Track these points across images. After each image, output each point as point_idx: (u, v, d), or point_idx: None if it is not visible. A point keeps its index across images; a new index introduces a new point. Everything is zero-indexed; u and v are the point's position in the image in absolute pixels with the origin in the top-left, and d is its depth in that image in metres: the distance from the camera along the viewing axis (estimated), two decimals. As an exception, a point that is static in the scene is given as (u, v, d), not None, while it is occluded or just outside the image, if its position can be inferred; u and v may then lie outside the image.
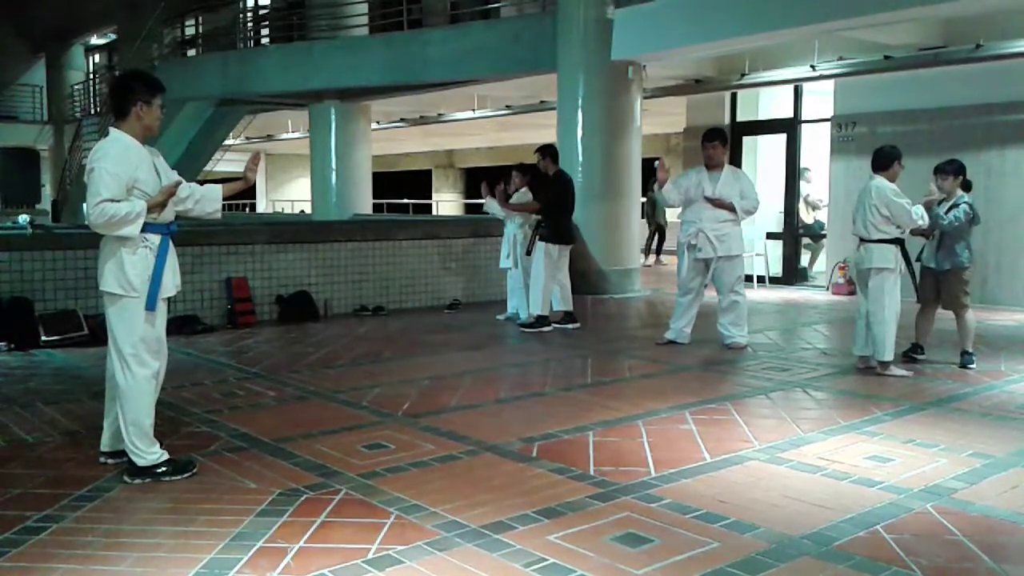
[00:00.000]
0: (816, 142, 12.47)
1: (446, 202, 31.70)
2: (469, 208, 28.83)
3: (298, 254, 9.13)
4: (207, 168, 19.57)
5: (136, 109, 3.95)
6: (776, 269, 12.59)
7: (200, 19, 18.28)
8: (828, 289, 11.50)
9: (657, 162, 7.42)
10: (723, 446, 4.46)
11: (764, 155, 13.19)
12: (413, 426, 4.84)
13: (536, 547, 3.17)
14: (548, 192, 8.39)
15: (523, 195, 8.64)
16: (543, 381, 6.10)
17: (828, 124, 11.69)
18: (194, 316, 8.20)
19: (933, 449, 4.41)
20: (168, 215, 4.03)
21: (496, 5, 13.82)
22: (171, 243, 4.05)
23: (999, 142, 9.95)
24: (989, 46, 9.59)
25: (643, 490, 3.78)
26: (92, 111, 22.25)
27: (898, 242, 6.23)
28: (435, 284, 10.20)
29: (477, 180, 10.77)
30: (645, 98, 11.67)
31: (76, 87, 24.87)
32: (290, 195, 31.97)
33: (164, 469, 3.95)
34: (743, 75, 12.01)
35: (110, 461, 4.13)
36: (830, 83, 11.55)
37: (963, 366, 6.48)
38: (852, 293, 9.11)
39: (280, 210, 29.98)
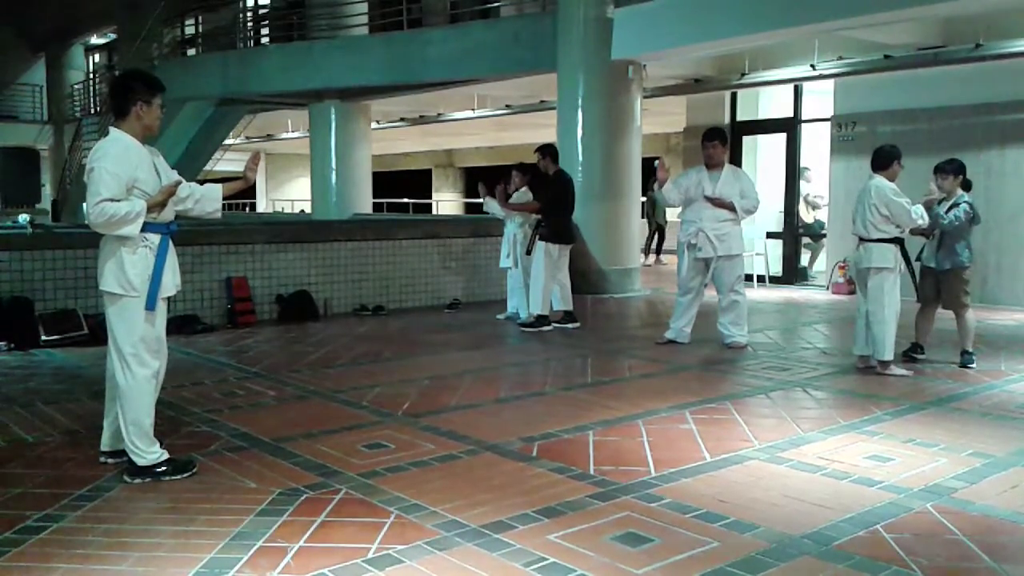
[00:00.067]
0: (816, 142, 12.47)
1: (446, 202, 31.70)
2: (469, 208, 28.83)
3: (298, 254, 9.13)
4: (207, 168, 19.58)
5: (136, 109, 3.95)
6: (776, 268, 12.59)
7: (200, 19, 18.28)
8: (828, 288, 11.50)
9: (657, 162, 7.42)
10: (723, 446, 4.46)
11: (764, 155, 13.20)
12: (413, 426, 4.84)
13: (536, 547, 3.17)
14: (548, 192, 8.39)
15: (523, 195, 8.64)
16: (543, 381, 6.10)
17: (828, 124, 11.69)
18: (194, 316, 8.20)
19: (933, 449, 4.41)
20: (168, 215, 4.03)
21: (496, 5, 13.82)
22: (171, 243, 4.05)
23: (999, 142, 9.95)
24: (989, 46, 9.59)
25: (643, 490, 3.78)
26: (92, 111, 22.26)
27: (897, 241, 6.23)
28: (435, 284, 10.20)
29: (477, 180, 10.76)
30: (645, 98, 11.66)
31: (76, 87, 24.87)
32: (290, 195, 31.98)
33: (164, 469, 3.95)
34: (743, 75, 12.01)
35: (110, 461, 4.13)
36: (830, 83, 11.55)
37: (963, 366, 6.48)
38: (852, 292, 9.11)
39: (280, 210, 29.98)
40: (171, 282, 4.04)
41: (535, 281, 8.33)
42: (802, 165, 12.47)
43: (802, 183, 12.48)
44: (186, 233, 7.35)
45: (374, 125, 18.21)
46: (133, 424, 3.92)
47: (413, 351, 7.26)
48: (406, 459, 4.22)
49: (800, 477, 3.99)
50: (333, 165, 16.23)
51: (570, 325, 8.43)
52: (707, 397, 5.55)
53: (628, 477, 3.95)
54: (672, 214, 13.28)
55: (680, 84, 12.94)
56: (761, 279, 12.16)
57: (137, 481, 3.89)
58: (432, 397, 5.55)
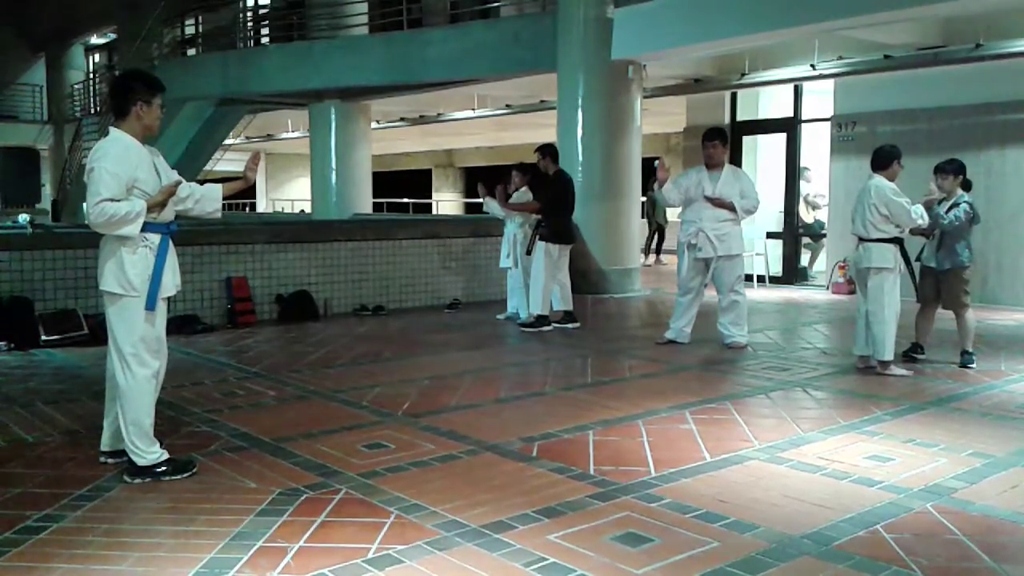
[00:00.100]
0: (816, 142, 12.47)
1: (446, 202, 31.71)
2: (469, 207, 28.83)
3: (298, 254, 9.13)
4: (207, 168, 19.58)
5: (136, 109, 3.95)
6: (776, 269, 12.59)
7: (200, 19, 18.28)
8: (828, 288, 11.50)
9: (657, 162, 7.42)
10: (723, 446, 4.46)
11: (764, 155, 13.20)
12: (413, 426, 4.84)
13: (536, 547, 3.17)
14: (548, 192, 8.39)
15: (523, 195, 8.64)
16: (543, 381, 6.10)
17: (828, 124, 11.69)
18: (194, 316, 8.20)
19: (933, 449, 4.41)
20: (168, 215, 4.03)
21: (496, 4, 13.82)
22: (171, 243, 4.05)
23: (999, 142, 9.95)
24: (989, 46, 9.58)
25: (643, 490, 3.78)
26: (92, 111, 22.26)
27: (897, 241, 6.23)
28: (435, 284, 10.20)
29: (477, 179, 10.76)
30: (645, 98, 11.66)
31: (76, 87, 24.87)
32: (290, 195, 31.98)
33: (164, 469, 3.95)
34: (743, 75, 12.00)
35: (110, 461, 4.13)
36: (830, 83, 11.55)
37: (963, 366, 6.48)
38: (852, 293, 9.11)
39: (280, 210, 29.98)
40: (171, 282, 4.05)
41: (535, 281, 8.33)
42: (802, 165, 12.47)
43: (802, 183, 12.48)
44: (186, 233, 7.35)
45: (374, 125, 18.22)
46: (133, 424, 3.92)
47: (413, 351, 7.26)
48: (406, 459, 4.22)
49: (800, 477, 3.99)
50: (333, 165, 16.23)
51: (570, 325, 8.43)
52: (707, 397, 5.55)
53: (628, 477, 3.95)
54: (672, 214, 13.27)
55: (680, 84, 12.93)
56: (761, 279, 12.16)
57: (137, 481, 3.89)
58: (432, 397, 5.55)
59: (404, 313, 9.51)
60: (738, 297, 7.38)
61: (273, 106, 18.03)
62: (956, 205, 6.44)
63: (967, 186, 6.61)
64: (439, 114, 18.82)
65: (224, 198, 4.32)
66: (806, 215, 12.64)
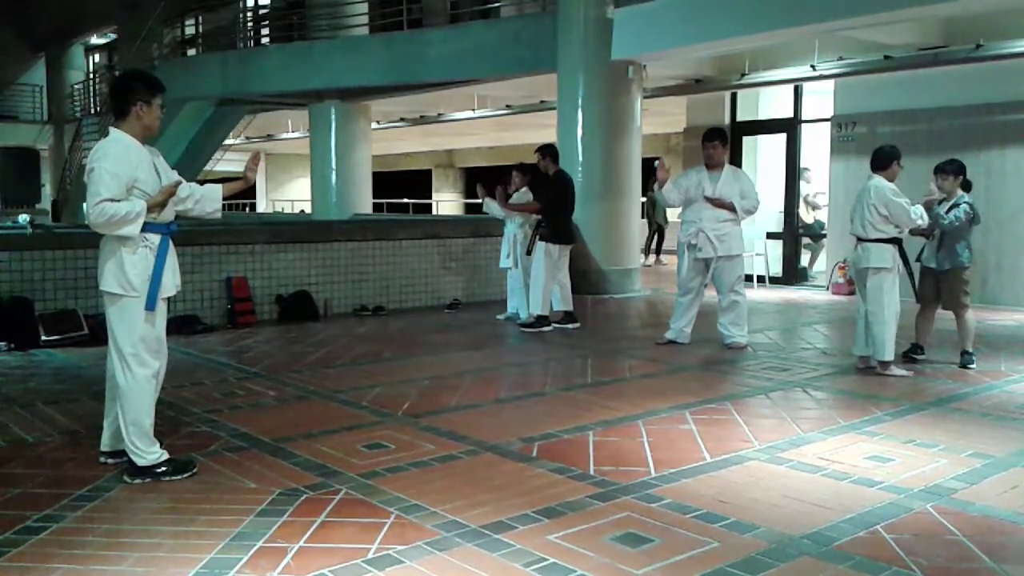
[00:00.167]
0: (816, 142, 12.47)
1: (446, 202, 31.71)
2: (469, 208, 28.84)
3: (298, 254, 9.13)
4: (207, 168, 19.59)
5: (136, 109, 3.95)
6: (776, 269, 12.59)
7: (200, 19, 18.29)
8: (828, 289, 11.50)
9: (657, 162, 7.42)
10: (723, 446, 4.46)
11: (764, 155, 13.19)
12: (413, 426, 4.84)
13: (536, 547, 3.17)
14: (548, 192, 8.39)
15: (523, 195, 8.64)
16: (543, 381, 6.10)
17: (828, 124, 11.69)
18: (194, 316, 8.20)
19: (933, 449, 4.41)
20: (168, 215, 4.03)
21: (496, 5, 13.83)
22: (171, 243, 4.05)
23: (999, 142, 9.95)
24: (989, 46, 9.59)
25: (643, 490, 3.78)
26: (92, 111, 22.25)
27: (896, 242, 6.23)
28: (435, 284, 10.20)
29: (477, 180, 10.77)
30: (645, 98, 11.66)
31: (76, 87, 24.87)
32: (290, 195, 31.99)
33: (164, 469, 3.95)
34: (743, 75, 12.01)
35: (110, 461, 4.13)
36: (830, 83, 11.55)
37: (963, 366, 6.48)
38: (852, 293, 9.11)
39: (280, 210, 29.98)
40: (171, 282, 4.05)
41: (535, 281, 8.33)
42: (802, 165, 12.47)
43: (802, 183, 12.48)
44: (186, 233, 7.35)
45: (374, 125, 18.22)
46: (133, 424, 3.92)
47: (413, 351, 7.26)
48: (406, 459, 4.21)
49: (800, 477, 3.99)
50: (333, 165, 16.23)
51: (570, 325, 8.43)
52: (707, 397, 5.55)
53: (628, 477, 3.95)
54: (672, 214, 13.27)
55: (680, 84, 12.93)
56: (761, 279, 12.16)
57: (137, 481, 3.89)
58: (432, 397, 5.55)
59: (404, 313, 9.51)
60: (738, 297, 7.38)
61: (273, 106, 18.04)
62: (956, 205, 6.44)
63: (967, 186, 6.61)
64: (439, 114, 18.83)
65: (224, 198, 4.31)
66: (806, 215, 12.64)
